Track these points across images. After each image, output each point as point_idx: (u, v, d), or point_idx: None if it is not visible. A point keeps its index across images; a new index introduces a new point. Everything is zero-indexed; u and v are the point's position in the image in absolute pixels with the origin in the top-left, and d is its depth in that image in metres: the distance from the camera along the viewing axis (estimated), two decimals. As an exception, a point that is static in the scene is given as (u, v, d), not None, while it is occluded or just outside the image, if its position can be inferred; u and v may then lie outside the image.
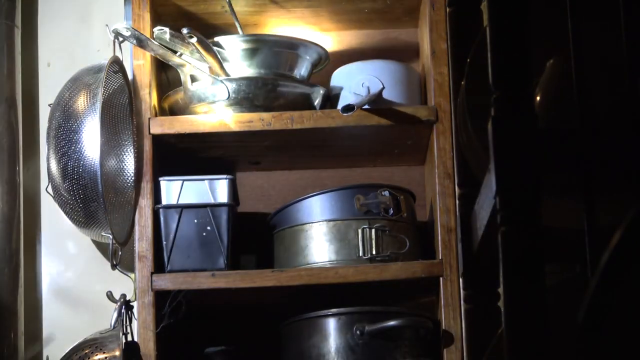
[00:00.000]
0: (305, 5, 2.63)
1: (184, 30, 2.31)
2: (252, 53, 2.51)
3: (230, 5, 2.57)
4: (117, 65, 2.51)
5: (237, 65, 2.51)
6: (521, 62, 1.42)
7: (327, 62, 2.63)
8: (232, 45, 2.50)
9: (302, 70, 2.56)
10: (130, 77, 2.52)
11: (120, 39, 2.42)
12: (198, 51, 2.40)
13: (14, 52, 2.77)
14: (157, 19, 2.57)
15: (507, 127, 1.39)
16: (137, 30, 2.36)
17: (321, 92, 2.54)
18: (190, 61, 2.45)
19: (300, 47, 2.55)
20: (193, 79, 2.48)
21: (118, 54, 2.51)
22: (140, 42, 2.37)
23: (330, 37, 2.77)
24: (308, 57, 2.57)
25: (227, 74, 2.48)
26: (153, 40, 2.38)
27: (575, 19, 1.43)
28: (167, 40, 2.36)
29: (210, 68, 2.46)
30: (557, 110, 1.65)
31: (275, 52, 2.53)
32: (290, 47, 2.54)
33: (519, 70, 1.42)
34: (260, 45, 2.51)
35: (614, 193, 1.43)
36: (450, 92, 2.38)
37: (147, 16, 2.51)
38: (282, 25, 2.71)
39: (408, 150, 2.62)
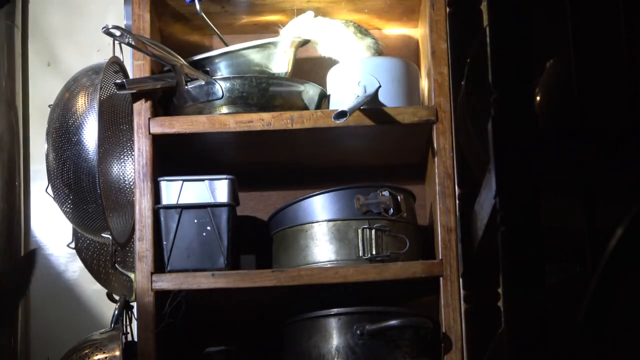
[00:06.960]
0: (304, 5, 2.63)
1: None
2: (236, 63, 2.51)
3: (205, 17, 2.57)
4: (117, 65, 2.51)
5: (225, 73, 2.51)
6: (521, 62, 1.42)
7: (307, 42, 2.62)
8: (213, 62, 2.50)
9: (286, 62, 2.55)
10: (130, 77, 2.52)
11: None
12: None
13: (14, 52, 2.77)
14: (157, 19, 2.57)
15: (507, 127, 1.39)
16: (127, 30, 2.35)
17: (318, 90, 2.54)
18: (182, 61, 2.44)
19: (278, 44, 2.54)
20: (187, 78, 2.48)
21: (118, 54, 2.51)
22: (130, 42, 2.35)
23: (330, 37, 2.77)
24: (290, 49, 2.56)
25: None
26: (145, 40, 2.37)
27: (576, 18, 1.43)
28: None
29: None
30: (557, 110, 1.65)
31: (257, 56, 2.52)
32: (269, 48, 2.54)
33: (519, 70, 1.42)
34: (235, 57, 2.51)
35: (614, 193, 1.43)
36: (450, 92, 2.38)
37: (147, 16, 2.50)
38: (282, 24, 2.71)
39: (408, 150, 2.62)
